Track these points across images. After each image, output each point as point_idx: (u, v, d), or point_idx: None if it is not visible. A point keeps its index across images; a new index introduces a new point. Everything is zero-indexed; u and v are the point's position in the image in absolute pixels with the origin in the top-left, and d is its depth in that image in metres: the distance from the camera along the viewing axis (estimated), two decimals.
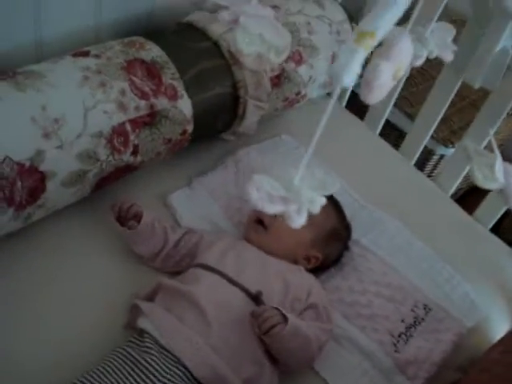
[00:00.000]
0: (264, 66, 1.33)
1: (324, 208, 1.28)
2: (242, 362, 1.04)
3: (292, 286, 1.15)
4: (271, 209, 0.82)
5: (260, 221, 1.26)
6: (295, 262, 1.25)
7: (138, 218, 1.22)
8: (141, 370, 1.00)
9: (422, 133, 1.76)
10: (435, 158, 2.07)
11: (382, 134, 1.87)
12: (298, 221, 0.89)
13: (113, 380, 0.98)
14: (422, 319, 1.31)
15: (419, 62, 1.03)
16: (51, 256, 1.23)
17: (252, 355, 1.06)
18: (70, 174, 1.13)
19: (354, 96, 1.92)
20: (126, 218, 1.23)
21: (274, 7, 1.51)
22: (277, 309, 1.05)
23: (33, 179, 1.07)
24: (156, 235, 1.23)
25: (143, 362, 1.00)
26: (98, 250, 1.27)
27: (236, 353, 1.04)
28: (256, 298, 1.10)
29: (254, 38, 0.95)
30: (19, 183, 1.05)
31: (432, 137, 1.87)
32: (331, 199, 1.33)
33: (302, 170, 0.70)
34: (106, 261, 1.26)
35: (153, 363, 1.00)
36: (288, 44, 0.95)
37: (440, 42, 1.09)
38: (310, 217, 1.25)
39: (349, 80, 0.64)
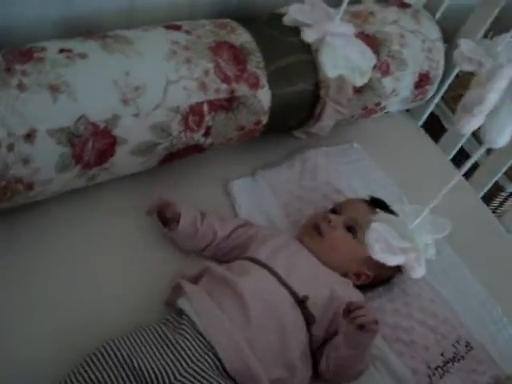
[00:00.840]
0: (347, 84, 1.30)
1: None
2: (274, 363, 1.03)
3: (338, 298, 1.13)
4: (394, 261, 0.81)
5: (316, 227, 1.24)
6: (345, 275, 1.22)
7: (176, 219, 1.21)
8: (171, 352, 0.99)
9: (496, 167, 1.70)
10: (504, 194, 2.00)
11: (453, 160, 1.82)
12: (420, 272, 0.88)
13: (141, 352, 0.98)
14: (462, 357, 1.27)
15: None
16: (107, 219, 1.25)
17: (285, 358, 1.04)
18: (141, 144, 1.14)
19: (432, 116, 1.87)
20: (165, 219, 1.22)
21: (370, 13, 1.49)
22: None
23: (104, 142, 1.09)
24: (199, 234, 1.22)
25: (176, 343, 1.00)
26: (147, 224, 1.27)
27: (270, 353, 1.03)
28: (301, 302, 1.08)
29: (340, 60, 0.93)
30: (90, 143, 1.07)
31: (505, 173, 1.80)
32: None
33: (419, 216, 0.68)
34: (153, 236, 1.26)
35: (185, 347, 0.99)
36: (372, 65, 0.92)
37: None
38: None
39: (503, 142, 0.62)
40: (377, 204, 1.31)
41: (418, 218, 0.83)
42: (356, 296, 1.19)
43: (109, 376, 0.93)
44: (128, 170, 1.22)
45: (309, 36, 0.94)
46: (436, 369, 1.23)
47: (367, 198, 1.33)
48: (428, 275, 1.36)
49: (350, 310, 1.03)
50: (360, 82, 0.91)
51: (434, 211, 1.52)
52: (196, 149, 1.26)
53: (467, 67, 0.94)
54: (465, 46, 0.96)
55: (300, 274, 1.13)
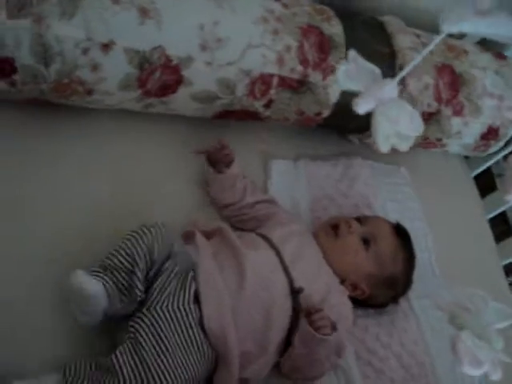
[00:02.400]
0: None
1: (399, 253, 1.27)
2: (250, 339, 1.06)
3: (330, 303, 1.15)
4: (479, 373, 0.83)
5: (335, 227, 1.26)
6: (342, 281, 1.23)
7: (227, 163, 1.25)
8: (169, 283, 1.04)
9: None
10: None
11: (492, 219, 1.81)
12: (497, 375, 0.89)
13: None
14: None
15: None
16: (145, 147, 1.30)
17: (262, 338, 1.07)
18: (203, 92, 1.17)
19: (488, 171, 1.86)
20: (217, 159, 1.25)
21: (464, 51, 1.48)
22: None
23: (171, 77, 1.12)
24: (234, 189, 1.26)
25: (173, 280, 1.05)
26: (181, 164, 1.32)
27: (250, 328, 1.06)
28: (295, 293, 1.10)
29: (392, 134, 0.91)
30: (158, 74, 1.10)
31: None
32: (411, 251, 1.31)
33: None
34: (183, 176, 1.31)
35: (177, 287, 1.04)
36: (420, 133, 0.92)
37: None
38: (379, 253, 1.24)
39: None
40: (400, 232, 1.31)
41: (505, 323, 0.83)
42: (346, 308, 1.20)
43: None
44: (183, 111, 1.25)
45: (361, 108, 0.91)
46: None
47: (394, 223, 1.34)
48: (422, 315, 1.38)
49: (310, 313, 1.06)
50: (405, 147, 0.91)
51: (456, 265, 1.54)
52: (252, 116, 1.29)
53: None
54: None
55: (303, 266, 1.15)
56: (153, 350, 0.95)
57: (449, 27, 0.79)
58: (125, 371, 0.93)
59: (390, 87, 0.89)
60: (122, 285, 0.99)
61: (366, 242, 1.24)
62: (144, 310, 1.00)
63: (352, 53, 0.89)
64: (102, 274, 0.98)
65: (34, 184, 1.14)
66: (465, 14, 0.78)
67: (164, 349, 0.96)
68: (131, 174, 1.25)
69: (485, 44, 1.59)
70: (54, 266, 1.05)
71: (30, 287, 1.04)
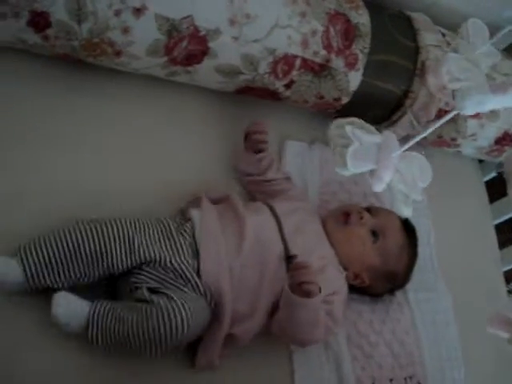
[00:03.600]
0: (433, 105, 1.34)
1: (404, 250, 1.28)
2: (243, 299, 1.11)
3: (325, 274, 1.18)
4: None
5: (346, 215, 1.28)
6: (345, 269, 1.26)
7: (259, 146, 1.30)
8: (170, 243, 1.08)
9: None
10: None
11: (498, 226, 1.83)
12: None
13: (145, 233, 1.06)
14: None
15: None
16: (165, 113, 1.33)
17: (253, 298, 1.12)
18: (227, 65, 1.20)
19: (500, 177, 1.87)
20: (252, 139, 1.30)
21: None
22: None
23: (197, 48, 1.15)
24: (259, 165, 1.30)
25: (176, 239, 1.09)
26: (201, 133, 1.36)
27: (243, 288, 1.10)
28: (289, 259, 1.14)
29: (410, 200, 0.92)
30: (185, 43, 1.13)
31: None
32: (415, 249, 1.34)
33: None
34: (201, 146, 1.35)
35: (182, 246, 1.08)
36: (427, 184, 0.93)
37: None
38: (386, 248, 1.25)
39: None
40: (409, 229, 1.34)
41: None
42: (342, 285, 1.23)
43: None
44: (205, 83, 1.29)
45: (378, 187, 0.90)
46: None
47: (403, 218, 1.35)
48: (416, 307, 1.41)
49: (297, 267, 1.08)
50: (418, 198, 0.92)
51: (454, 263, 1.56)
52: (272, 95, 1.32)
53: None
54: None
55: (302, 240, 1.19)
56: (170, 292, 1.00)
57: (467, 111, 0.81)
58: (161, 302, 0.97)
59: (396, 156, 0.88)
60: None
61: (374, 234, 1.26)
62: (144, 267, 1.04)
63: (349, 128, 0.88)
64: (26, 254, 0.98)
65: (49, 140, 1.18)
66: (482, 97, 0.79)
67: (172, 293, 1.01)
68: (149, 142, 1.28)
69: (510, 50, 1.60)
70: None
71: None
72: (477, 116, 1.48)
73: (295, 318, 1.09)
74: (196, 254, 1.09)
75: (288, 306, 1.09)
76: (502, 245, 1.81)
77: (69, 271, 0.99)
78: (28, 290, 0.99)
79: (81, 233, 1.00)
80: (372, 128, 0.89)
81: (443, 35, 1.42)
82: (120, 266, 1.02)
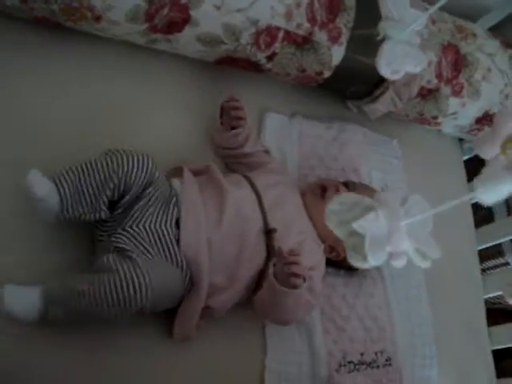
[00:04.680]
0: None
1: None
2: (220, 270, 1.11)
3: (304, 249, 1.18)
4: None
5: (324, 189, 1.28)
6: (322, 242, 1.27)
7: (236, 123, 1.27)
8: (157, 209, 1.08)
9: (508, 231, 1.72)
10: (501, 260, 2.01)
11: (475, 204, 1.84)
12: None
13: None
14: (377, 366, 1.34)
15: None
16: (142, 80, 1.31)
17: (231, 271, 1.12)
18: (208, 34, 1.18)
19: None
20: (229, 116, 1.28)
21: (473, 35, 1.48)
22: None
23: (179, 15, 1.13)
24: (236, 139, 1.28)
25: (160, 204, 1.09)
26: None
27: (222, 260, 1.11)
28: (268, 232, 1.14)
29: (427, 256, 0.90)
30: (166, 10, 1.11)
31: None
32: None
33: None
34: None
35: (165, 211, 1.09)
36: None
37: None
38: None
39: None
40: None
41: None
42: (321, 259, 1.24)
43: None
44: (186, 52, 1.27)
45: (401, 264, 0.89)
46: (349, 363, 1.30)
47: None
48: (390, 283, 1.43)
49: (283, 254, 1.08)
50: (425, 265, 0.92)
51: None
52: (253, 66, 1.30)
53: None
54: None
55: (282, 213, 1.19)
56: (139, 259, 1.01)
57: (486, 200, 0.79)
58: (120, 269, 0.98)
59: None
60: (84, 194, 1.02)
61: None
62: (127, 228, 1.05)
63: (357, 224, 0.83)
64: (61, 178, 1.01)
65: (24, 102, 1.16)
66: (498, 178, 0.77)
67: (150, 257, 1.03)
68: (125, 109, 1.26)
69: (495, 30, 1.60)
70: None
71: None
72: (458, 95, 1.48)
73: (279, 303, 1.10)
74: (177, 224, 1.09)
75: (272, 293, 1.09)
76: (478, 224, 1.83)
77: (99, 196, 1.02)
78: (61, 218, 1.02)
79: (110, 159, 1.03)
80: (365, 198, 0.87)
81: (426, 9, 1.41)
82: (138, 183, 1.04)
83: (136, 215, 1.06)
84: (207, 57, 1.28)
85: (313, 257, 1.21)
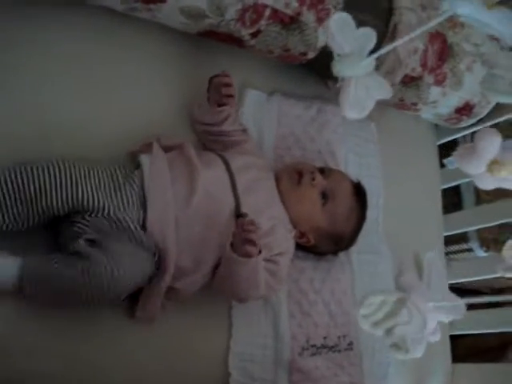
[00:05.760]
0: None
1: (353, 214, 1.28)
2: (187, 252, 1.09)
3: (274, 235, 1.17)
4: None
5: (299, 175, 1.26)
6: (293, 227, 1.26)
7: (224, 100, 1.23)
8: (115, 192, 1.04)
9: (474, 219, 1.74)
10: (465, 246, 2.04)
11: (445, 190, 1.86)
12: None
13: (90, 182, 1.02)
14: (339, 351, 1.35)
15: None
16: (124, 50, 1.26)
17: (198, 253, 1.10)
18: (192, 7, 1.13)
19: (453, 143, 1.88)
20: (219, 92, 1.23)
21: (461, 25, 1.46)
22: None
23: None
24: (216, 116, 1.24)
25: (122, 187, 1.05)
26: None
27: (189, 242, 1.09)
28: (239, 216, 1.11)
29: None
30: None
31: (478, 230, 1.86)
32: (364, 213, 1.34)
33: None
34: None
35: (128, 195, 1.05)
36: None
37: None
38: (335, 211, 1.25)
39: None
40: (360, 192, 1.33)
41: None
42: (290, 246, 1.23)
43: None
44: (168, 22, 1.21)
45: (436, 338, 0.91)
46: (312, 346, 1.31)
47: (355, 181, 1.35)
48: (358, 269, 1.43)
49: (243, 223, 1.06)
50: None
51: (397, 217, 1.58)
52: (237, 42, 1.26)
53: None
54: None
55: (254, 198, 1.17)
56: (108, 243, 0.99)
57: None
58: (91, 254, 0.96)
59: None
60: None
61: (324, 197, 1.26)
62: (86, 216, 1.01)
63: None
64: None
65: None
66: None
67: (109, 245, 0.99)
68: (102, 79, 1.21)
69: None
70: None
71: None
72: (440, 84, 1.46)
73: (234, 275, 1.09)
74: (143, 204, 1.06)
75: (227, 262, 1.08)
76: (447, 209, 1.85)
77: (12, 211, 0.96)
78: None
79: (21, 173, 0.96)
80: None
81: None
82: (60, 207, 0.98)
83: (101, 200, 1.02)
84: (189, 29, 1.22)
85: (283, 243, 1.20)
